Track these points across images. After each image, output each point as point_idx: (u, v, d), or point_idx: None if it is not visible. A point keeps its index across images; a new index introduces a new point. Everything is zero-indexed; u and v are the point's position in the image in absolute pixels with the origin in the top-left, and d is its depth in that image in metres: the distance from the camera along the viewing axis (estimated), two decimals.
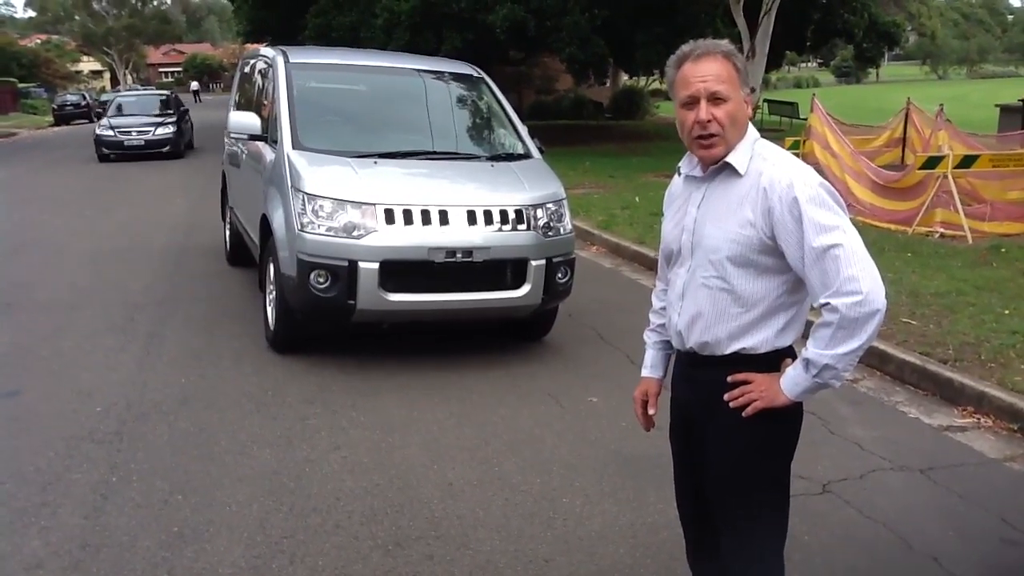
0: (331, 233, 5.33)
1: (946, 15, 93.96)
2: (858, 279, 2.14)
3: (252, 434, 4.58)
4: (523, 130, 6.66)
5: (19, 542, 3.44)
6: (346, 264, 5.27)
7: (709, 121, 2.21)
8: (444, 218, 5.40)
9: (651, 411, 2.63)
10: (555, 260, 5.74)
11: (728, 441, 2.33)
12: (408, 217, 5.35)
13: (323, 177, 5.52)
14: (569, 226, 5.95)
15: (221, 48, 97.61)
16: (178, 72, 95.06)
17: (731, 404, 2.29)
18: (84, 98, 43.83)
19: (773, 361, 2.30)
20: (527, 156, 6.42)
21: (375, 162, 5.75)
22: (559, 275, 5.79)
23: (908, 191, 11.06)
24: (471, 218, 5.45)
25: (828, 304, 2.17)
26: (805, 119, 28.71)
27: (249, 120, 6.39)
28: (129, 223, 11.21)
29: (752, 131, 2.30)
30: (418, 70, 6.92)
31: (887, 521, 3.91)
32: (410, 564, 3.38)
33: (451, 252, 5.37)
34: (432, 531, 3.64)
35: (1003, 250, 9.09)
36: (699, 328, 2.33)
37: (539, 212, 5.70)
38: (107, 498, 3.83)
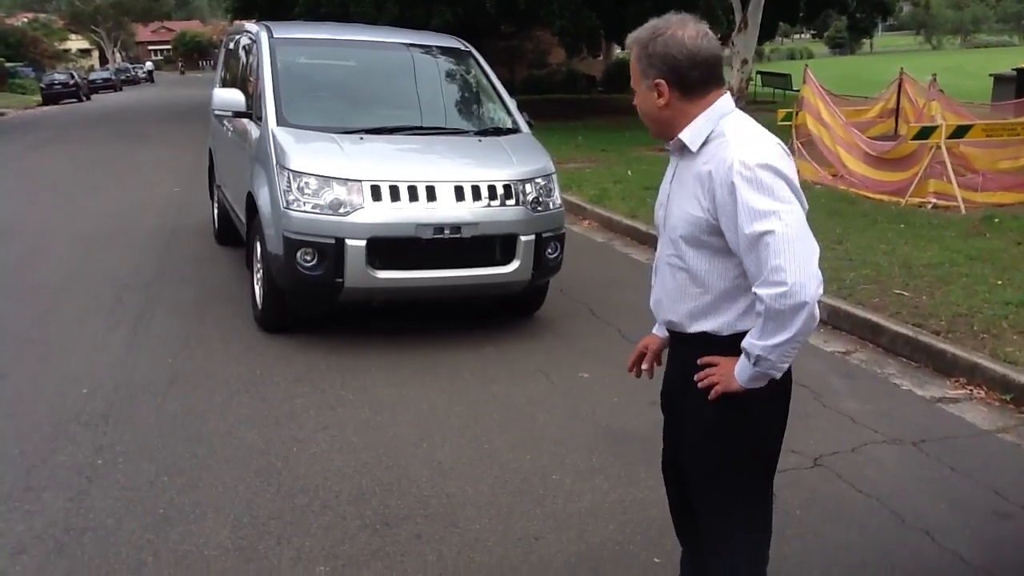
0: (317, 210, 5.26)
1: None
2: (784, 270, 2.04)
3: (240, 415, 4.54)
4: (511, 104, 6.58)
5: (3, 527, 3.40)
6: (333, 242, 5.21)
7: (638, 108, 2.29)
8: (431, 194, 5.33)
9: (644, 366, 2.62)
10: (545, 235, 5.68)
11: (698, 418, 2.31)
12: (395, 193, 5.28)
13: (308, 154, 5.44)
14: (558, 201, 5.89)
15: (211, 25, 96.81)
16: (167, 50, 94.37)
17: (698, 385, 2.26)
18: (72, 77, 43.41)
19: (736, 344, 2.20)
20: (516, 130, 6.35)
21: (361, 138, 5.67)
22: (549, 250, 5.74)
23: (900, 162, 11.01)
24: (459, 194, 5.39)
25: (756, 294, 2.10)
26: (798, 91, 28.70)
27: (233, 97, 6.29)
28: (119, 204, 11.09)
29: (719, 107, 2.21)
30: (405, 44, 6.82)
31: (879, 495, 3.89)
32: (398, 544, 3.35)
33: (439, 228, 5.31)
34: (421, 510, 3.61)
35: (996, 220, 9.07)
36: (665, 307, 2.35)
37: (528, 187, 5.63)
38: (92, 481, 3.79)
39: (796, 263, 2.04)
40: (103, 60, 76.06)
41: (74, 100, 41.26)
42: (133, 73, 64.28)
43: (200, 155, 15.74)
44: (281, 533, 3.40)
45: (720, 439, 2.29)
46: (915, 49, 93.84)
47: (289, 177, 5.33)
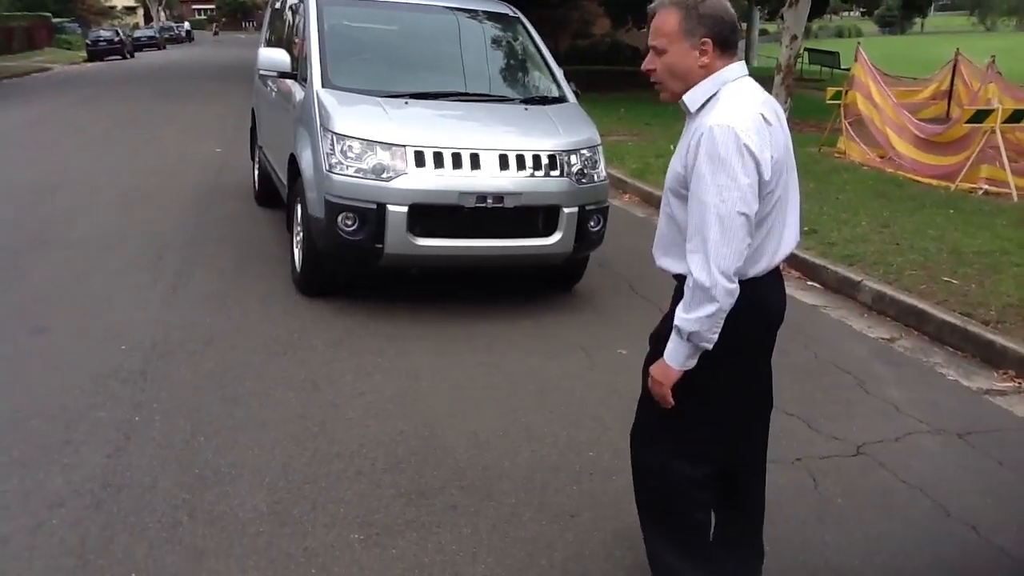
0: (360, 175, 5.21)
1: None
2: (696, 255, 2.28)
3: (277, 377, 4.53)
4: (559, 73, 6.46)
5: (42, 479, 3.42)
6: (374, 207, 5.16)
7: (652, 70, 2.40)
8: (475, 162, 5.26)
9: None
10: (588, 208, 5.59)
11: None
12: (439, 160, 5.21)
13: (353, 117, 5.39)
14: (603, 173, 5.79)
15: None
16: (211, 9, 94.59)
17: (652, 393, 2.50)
18: (118, 34, 43.63)
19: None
20: (562, 100, 6.24)
21: (406, 102, 5.60)
22: (591, 223, 5.65)
23: (951, 145, 10.75)
24: (503, 162, 5.30)
25: (688, 260, 2.32)
26: (847, 69, 28.07)
27: (279, 57, 6.24)
28: (161, 162, 11.15)
29: (723, 74, 2.37)
30: (452, 8, 6.71)
31: (923, 486, 3.80)
32: (433, 514, 3.32)
33: (482, 197, 5.24)
34: (456, 481, 3.58)
35: None
36: (658, 249, 2.57)
37: (573, 158, 5.54)
38: (129, 437, 3.80)
39: (715, 255, 2.24)
40: (147, 18, 76.36)
41: (119, 57, 41.52)
42: (177, 32, 64.47)
43: (242, 115, 15.77)
44: (316, 498, 3.38)
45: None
46: (968, 30, 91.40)
47: (332, 140, 5.28)
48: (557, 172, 5.44)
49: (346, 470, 3.61)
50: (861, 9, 39.30)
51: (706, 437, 2.60)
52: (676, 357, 2.39)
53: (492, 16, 6.85)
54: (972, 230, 7.96)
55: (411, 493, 3.47)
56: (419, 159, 5.19)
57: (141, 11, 79.61)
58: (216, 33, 76.06)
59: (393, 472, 3.62)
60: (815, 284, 6.96)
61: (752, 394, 2.75)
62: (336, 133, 5.28)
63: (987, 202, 9.39)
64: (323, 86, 5.66)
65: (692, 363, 2.38)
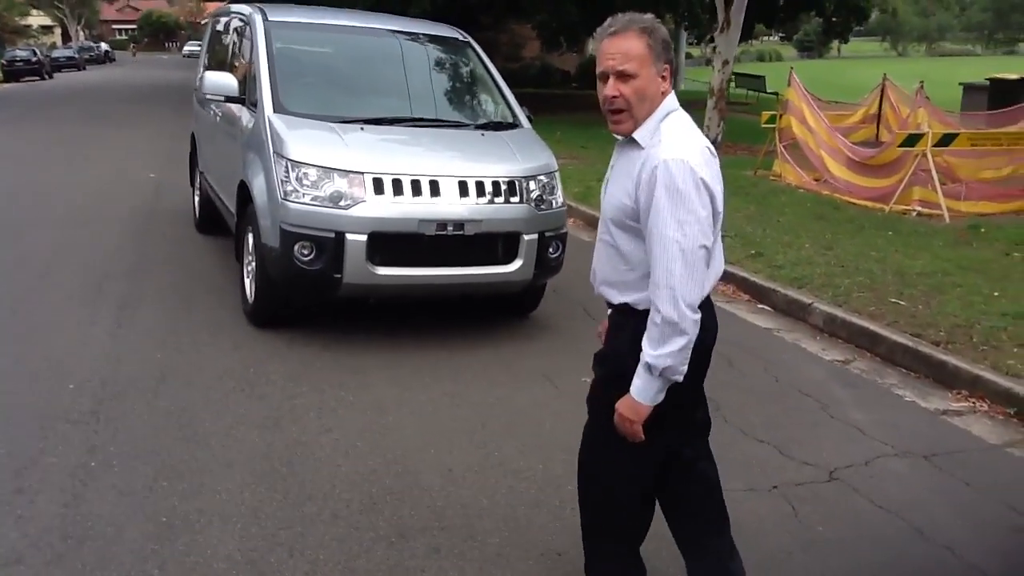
0: (316, 202, 5.07)
1: None
2: (661, 290, 2.27)
3: (237, 414, 4.35)
4: (511, 98, 6.43)
5: None
6: (332, 235, 5.03)
7: (615, 97, 2.33)
8: (435, 189, 5.17)
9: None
10: (547, 234, 5.55)
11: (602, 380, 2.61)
12: (398, 187, 5.11)
13: (308, 143, 5.25)
14: (561, 199, 5.76)
15: (177, 6, 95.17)
16: (132, 29, 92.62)
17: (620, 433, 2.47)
18: (35, 54, 42.33)
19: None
20: (516, 125, 6.21)
21: (361, 128, 5.49)
22: (551, 250, 5.61)
23: (883, 168, 11.04)
24: (463, 189, 5.23)
25: (652, 300, 2.32)
26: (774, 93, 28.83)
27: (226, 81, 6.06)
28: (94, 186, 10.75)
29: (665, 105, 2.38)
30: (403, 32, 6.64)
31: (898, 509, 3.83)
32: (416, 558, 3.21)
33: (442, 224, 5.16)
34: (436, 521, 3.47)
35: (982, 230, 9.11)
36: (598, 279, 2.58)
37: (531, 184, 5.50)
38: (87, 484, 3.59)
39: (681, 290, 2.26)
40: (65, 37, 74.40)
41: (36, 78, 40.26)
42: (97, 52, 62.83)
43: (174, 139, 15.44)
44: (292, 544, 3.23)
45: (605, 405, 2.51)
46: (881, 55, 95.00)
47: (287, 166, 5.14)
48: (517, 198, 5.39)
49: (320, 513, 3.47)
50: (780, 34, 40.54)
51: (659, 460, 2.60)
52: (647, 393, 2.36)
53: (442, 40, 6.80)
54: (912, 251, 8.17)
55: (391, 536, 3.34)
56: (378, 186, 5.09)
57: (59, 30, 77.59)
58: (134, 54, 74.08)
59: (370, 513, 3.49)
60: (765, 307, 7.03)
61: (700, 415, 2.78)
62: (291, 160, 5.14)
63: (921, 224, 9.66)
64: (275, 111, 5.52)
65: (661, 397, 2.36)
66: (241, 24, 6.78)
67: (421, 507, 3.57)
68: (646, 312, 2.35)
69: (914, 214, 10.11)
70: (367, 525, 3.40)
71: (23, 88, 33.95)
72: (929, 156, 9.95)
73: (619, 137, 2.46)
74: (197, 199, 8.31)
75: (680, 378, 2.33)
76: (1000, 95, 17.44)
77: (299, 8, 6.57)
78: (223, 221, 7.39)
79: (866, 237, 8.79)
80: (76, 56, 52.87)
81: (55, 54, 50.88)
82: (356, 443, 4.12)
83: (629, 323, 2.46)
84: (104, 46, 69.26)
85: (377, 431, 4.27)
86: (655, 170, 2.25)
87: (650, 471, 2.60)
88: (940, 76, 34.67)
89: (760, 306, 7.06)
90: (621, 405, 2.42)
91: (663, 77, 2.36)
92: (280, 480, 3.72)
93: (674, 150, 2.27)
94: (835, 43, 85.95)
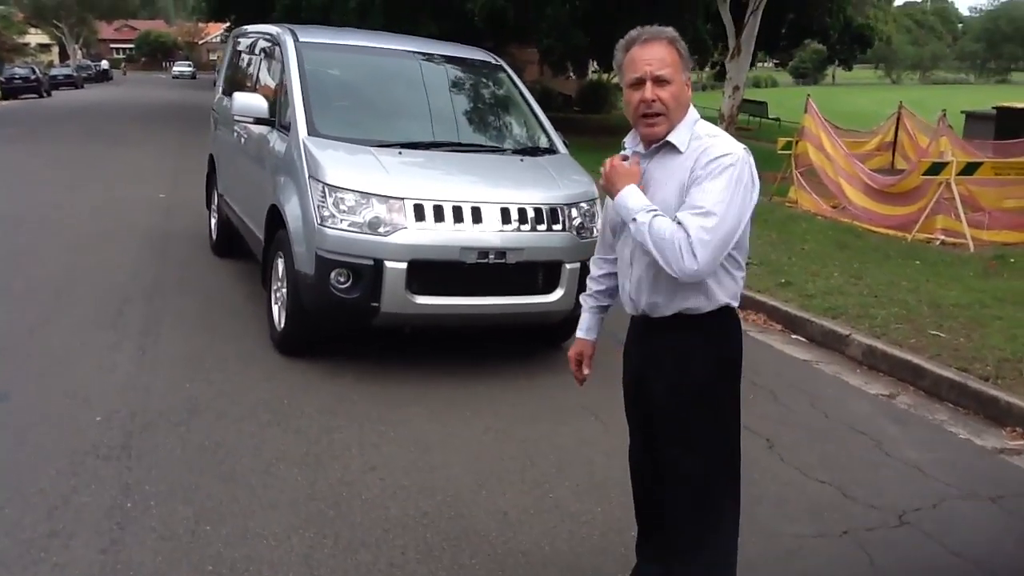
0: (355, 229, 4.89)
1: (900, 21, 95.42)
2: (703, 252, 2.33)
3: (276, 450, 4.15)
4: (547, 123, 6.27)
5: None
6: (371, 263, 4.84)
7: (654, 100, 2.43)
8: (477, 215, 4.99)
9: (586, 371, 2.97)
10: (588, 263, 5.36)
11: (676, 392, 2.57)
12: (439, 214, 4.93)
13: (345, 167, 5.07)
14: (601, 226, 5.57)
15: (176, 26, 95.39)
16: (130, 49, 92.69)
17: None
18: (34, 72, 42.18)
19: (715, 320, 2.55)
20: (553, 151, 6.04)
21: (399, 152, 5.32)
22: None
23: (904, 196, 10.93)
24: (505, 216, 5.05)
25: (685, 227, 2.36)
26: (776, 119, 28.85)
27: (256, 102, 5.89)
28: (103, 205, 10.55)
29: (693, 113, 2.51)
30: (435, 54, 6.49)
31: (973, 556, 3.67)
32: None
33: (483, 253, 4.97)
34: (499, 570, 3.26)
35: (1011, 260, 8.97)
36: (645, 291, 2.56)
37: (573, 211, 5.32)
38: (124, 527, 3.38)
39: (711, 250, 2.35)
40: (63, 56, 74.36)
41: (34, 96, 40.09)
42: (95, 70, 62.71)
43: (180, 158, 15.30)
44: None
45: (704, 413, 2.57)
46: (875, 83, 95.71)
47: (324, 191, 4.96)
48: (560, 226, 5.22)
49: (376, 562, 3.26)
50: (775, 61, 40.88)
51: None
52: (624, 201, 2.47)
53: (475, 63, 6.64)
54: (944, 281, 8.01)
55: None
56: (418, 212, 4.91)
57: (56, 49, 77.57)
58: (124, 72, 73.83)
59: (428, 562, 3.29)
60: (799, 337, 6.86)
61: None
62: (328, 184, 4.96)
63: (947, 252, 9.52)
64: (309, 134, 5.34)
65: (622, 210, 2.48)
66: (269, 45, 6.62)
67: (480, 555, 3.37)
68: (707, 316, 2.52)
69: (938, 243, 9.98)
70: (426, 574, 3.20)
71: (21, 106, 33.75)
72: (953, 185, 9.83)
73: (641, 151, 2.57)
74: (214, 221, 8.12)
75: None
76: (1007, 124, 17.41)
77: (327, 29, 6.43)
78: (241, 244, 7.21)
79: (894, 266, 8.64)
80: (74, 74, 52.78)
81: (53, 72, 50.74)
82: (403, 483, 3.91)
83: (689, 335, 2.55)
84: (105, 63, 69.18)
85: (424, 469, 4.06)
86: (721, 159, 2.38)
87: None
88: (936, 104, 34.77)
89: (794, 336, 6.89)
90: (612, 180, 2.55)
91: (687, 86, 2.50)
92: (328, 524, 3.51)
93: (733, 145, 2.43)
94: (830, 70, 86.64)
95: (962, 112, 21.15)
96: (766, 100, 30.24)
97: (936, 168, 9.89)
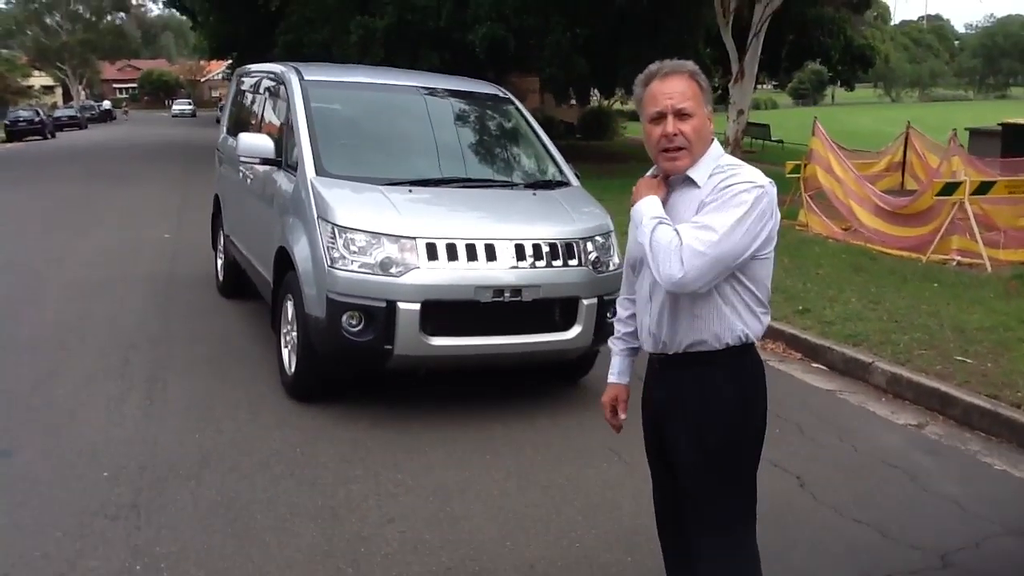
0: (366, 270, 4.77)
1: (897, 40, 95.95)
2: (701, 247, 2.27)
3: (290, 504, 3.99)
4: (558, 155, 6.17)
5: None
6: (383, 305, 4.71)
7: (675, 135, 2.38)
8: (491, 253, 4.86)
9: (622, 416, 2.83)
10: (605, 298, 5.23)
11: (700, 439, 2.46)
12: (452, 252, 4.81)
13: (355, 207, 4.96)
14: (617, 260, 5.45)
15: (178, 64, 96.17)
16: (133, 88, 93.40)
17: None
18: (38, 114, 42.37)
19: (735, 358, 2.47)
20: (565, 183, 5.92)
21: (410, 190, 5.20)
22: (609, 314, 5.28)
23: (916, 217, 10.78)
24: (519, 252, 4.93)
25: (679, 232, 2.31)
26: (779, 141, 28.82)
27: (262, 143, 5.79)
28: (107, 248, 10.45)
29: (716, 148, 2.46)
30: (442, 89, 6.40)
31: None
32: None
33: (499, 291, 4.84)
34: None
35: None
36: (666, 326, 2.48)
37: (589, 245, 5.20)
38: None
39: (702, 264, 2.28)
40: (67, 97, 74.91)
41: (39, 137, 40.29)
42: (98, 110, 63.08)
43: (185, 198, 15.26)
44: None
45: (729, 453, 2.48)
46: (875, 101, 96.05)
47: (334, 232, 4.84)
48: (575, 261, 5.09)
49: None
50: (774, 82, 40.98)
51: None
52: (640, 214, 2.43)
53: (483, 97, 6.55)
54: (964, 305, 7.84)
55: None
56: (431, 252, 4.78)
57: (60, 90, 78.19)
58: (126, 112, 74.24)
59: None
60: (820, 366, 6.70)
61: None
62: (338, 225, 4.85)
63: (964, 274, 9.36)
64: (317, 174, 5.23)
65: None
66: (273, 84, 6.53)
67: None
68: (727, 351, 2.44)
69: (954, 264, 9.82)
70: None
71: (26, 148, 33.90)
72: (967, 205, 9.69)
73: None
74: (220, 262, 8.01)
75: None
76: (1014, 141, 17.32)
77: (332, 66, 6.35)
78: (249, 286, 7.09)
79: (912, 290, 8.48)
80: (78, 115, 53.06)
81: (57, 113, 51.05)
82: (424, 535, 3.75)
83: (710, 375, 2.47)
84: (107, 103, 69.59)
85: (444, 520, 3.90)
86: (736, 186, 2.33)
87: None
88: (936, 121, 34.84)
89: (815, 365, 6.73)
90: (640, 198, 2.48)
91: (710, 119, 2.46)
92: None
93: (758, 175, 2.38)
94: (829, 90, 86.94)
95: (966, 129, 21.11)
96: (768, 123, 30.22)
97: (949, 188, 9.76)
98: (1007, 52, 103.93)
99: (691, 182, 2.43)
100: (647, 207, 2.42)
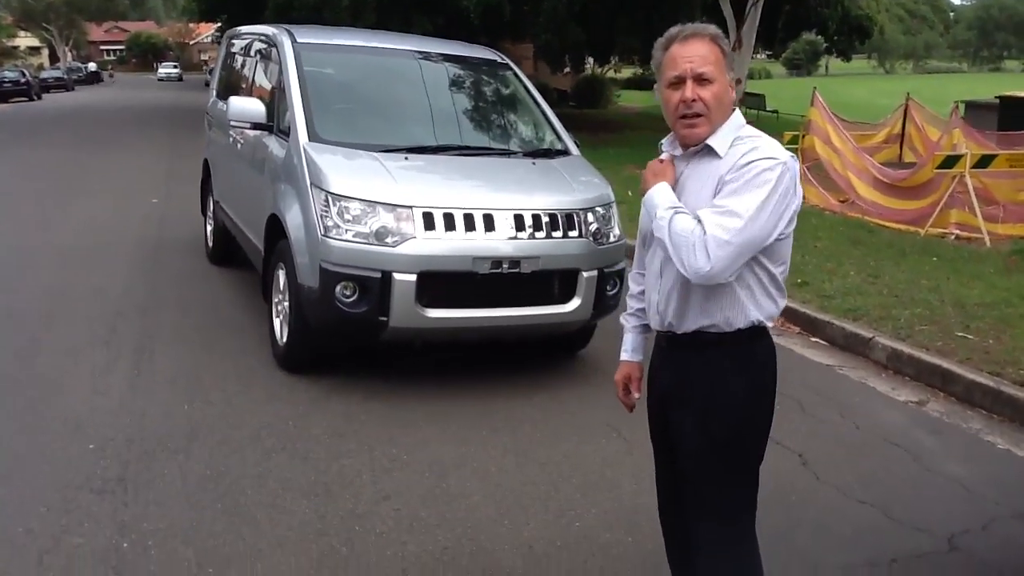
0: (360, 239, 4.62)
1: (892, 11, 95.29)
2: (720, 251, 2.15)
3: (281, 479, 3.88)
4: (558, 123, 6.00)
5: None
6: (378, 275, 4.57)
7: (694, 100, 2.26)
8: (489, 223, 4.73)
9: (635, 395, 2.72)
10: (606, 271, 5.11)
11: (705, 427, 2.36)
12: (450, 222, 4.67)
13: (349, 174, 4.81)
14: (618, 231, 5.32)
15: (166, 27, 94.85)
16: (121, 50, 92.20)
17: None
18: (24, 75, 41.74)
19: (745, 340, 2.34)
20: (565, 152, 5.77)
21: (406, 157, 5.05)
22: (608, 287, 5.17)
23: (915, 190, 10.69)
24: (519, 223, 4.79)
25: (701, 220, 2.19)
26: (774, 111, 28.62)
27: (253, 107, 5.61)
28: (95, 214, 10.22)
29: (738, 117, 2.34)
30: (439, 54, 6.21)
31: None
32: None
33: (497, 262, 4.71)
34: None
35: None
36: (674, 303, 2.37)
37: (590, 216, 5.07)
38: (121, 573, 3.11)
39: (728, 253, 2.15)
40: (53, 58, 73.88)
41: (25, 99, 39.70)
42: (85, 72, 62.19)
43: (172, 161, 15.02)
44: None
45: (734, 439, 2.36)
46: (869, 73, 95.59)
47: (327, 200, 4.69)
48: (576, 232, 4.95)
49: None
50: (768, 52, 40.62)
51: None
52: (653, 201, 2.32)
53: (481, 63, 6.36)
54: (964, 279, 7.76)
55: None
56: (428, 221, 4.64)
57: (46, 51, 77.09)
58: (111, 75, 73.21)
59: None
60: (820, 340, 6.61)
61: None
62: (331, 193, 4.69)
63: (963, 248, 9.28)
64: (310, 140, 5.07)
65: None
66: (264, 46, 6.33)
67: None
68: (737, 333, 2.32)
69: (952, 237, 9.74)
70: None
71: (12, 109, 33.36)
72: (968, 178, 9.59)
73: (676, 152, 2.40)
74: (210, 229, 7.84)
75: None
76: (1012, 114, 17.17)
77: (324, 29, 6.15)
78: (239, 253, 6.94)
79: (911, 263, 8.39)
80: (65, 77, 52.33)
81: (43, 75, 50.33)
82: (420, 513, 3.65)
83: (718, 358, 2.36)
84: (92, 66, 68.64)
85: (440, 498, 3.80)
86: (758, 163, 2.20)
87: None
88: (930, 93, 34.64)
89: (814, 339, 6.65)
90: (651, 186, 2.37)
91: (732, 88, 2.34)
92: (342, 564, 3.25)
93: (779, 150, 2.25)
94: (823, 61, 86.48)
95: (962, 102, 20.92)
96: (763, 92, 29.98)
97: (950, 161, 9.65)
98: (1002, 25, 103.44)
99: (711, 152, 2.30)
100: (659, 196, 2.30)
